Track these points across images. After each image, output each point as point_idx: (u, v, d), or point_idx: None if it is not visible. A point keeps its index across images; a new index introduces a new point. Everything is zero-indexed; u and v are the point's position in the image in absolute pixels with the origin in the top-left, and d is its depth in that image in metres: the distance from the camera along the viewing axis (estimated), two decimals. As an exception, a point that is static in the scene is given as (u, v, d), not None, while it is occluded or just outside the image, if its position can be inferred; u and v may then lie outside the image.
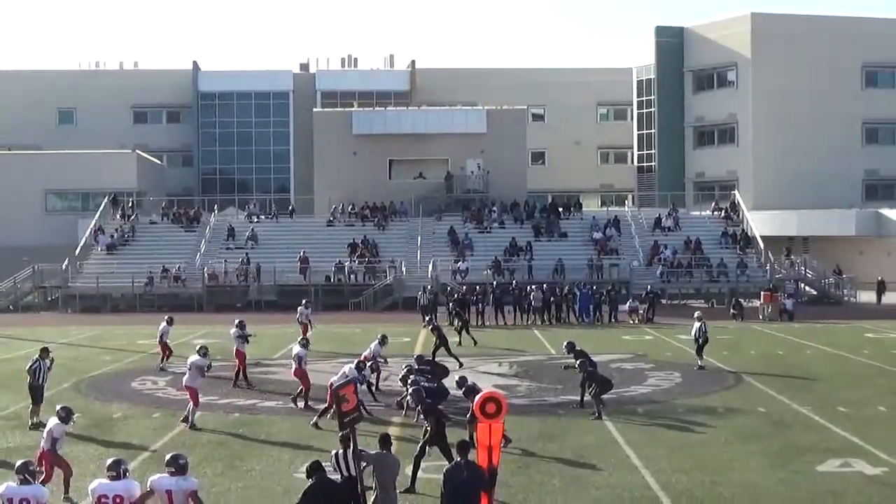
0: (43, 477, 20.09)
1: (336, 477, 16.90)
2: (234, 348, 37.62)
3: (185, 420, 29.35)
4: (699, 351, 41.07)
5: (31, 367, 30.65)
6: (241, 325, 38.29)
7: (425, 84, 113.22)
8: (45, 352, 31.35)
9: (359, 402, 18.85)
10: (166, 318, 43.15)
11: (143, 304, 74.48)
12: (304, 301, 53.17)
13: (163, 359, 41.67)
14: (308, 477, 16.06)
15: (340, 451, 17.68)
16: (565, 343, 33.21)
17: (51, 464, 21.71)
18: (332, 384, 20.43)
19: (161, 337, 41.92)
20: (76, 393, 35.72)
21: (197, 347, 31.43)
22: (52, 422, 22.25)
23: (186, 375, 30.18)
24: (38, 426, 29.37)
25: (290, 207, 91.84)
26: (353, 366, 30.55)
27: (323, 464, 16.42)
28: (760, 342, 50.46)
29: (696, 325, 41.48)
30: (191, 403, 29.53)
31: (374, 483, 17.26)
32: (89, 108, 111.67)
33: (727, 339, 50.91)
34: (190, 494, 15.63)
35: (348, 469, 17.34)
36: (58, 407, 22.93)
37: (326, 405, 28.57)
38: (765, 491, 22.02)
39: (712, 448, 26.14)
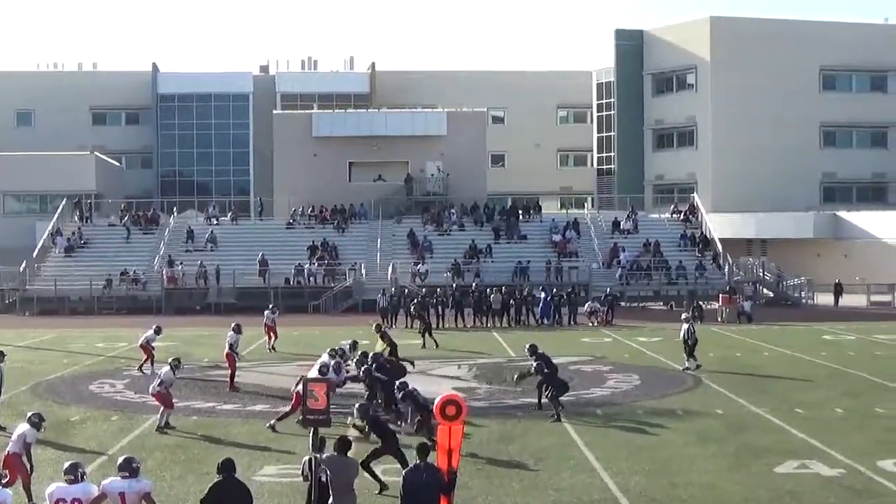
0: (7, 480, 19.98)
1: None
2: (226, 352, 37.47)
3: (161, 428, 29.07)
4: (690, 352, 41.12)
5: None
6: (237, 329, 38.33)
7: (385, 86, 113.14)
8: (1, 355, 31.22)
9: (329, 406, 18.77)
10: (154, 326, 42.65)
11: (102, 307, 74.15)
12: (270, 306, 52.75)
13: (145, 363, 41.45)
14: (217, 473, 15.97)
15: (311, 456, 17.71)
16: (528, 346, 33.20)
17: (17, 468, 21.50)
18: (304, 377, 20.39)
19: (147, 342, 41.69)
20: (34, 396, 35.53)
21: (170, 359, 31.27)
22: (24, 427, 22.05)
23: (154, 383, 30.22)
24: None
25: (260, 209, 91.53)
26: (326, 358, 30.82)
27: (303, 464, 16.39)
28: (719, 344, 50.63)
29: (685, 326, 41.56)
30: (162, 408, 29.47)
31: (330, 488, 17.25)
32: (48, 109, 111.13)
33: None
34: (143, 496, 15.60)
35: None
36: (29, 413, 22.80)
37: (289, 410, 28.50)
38: (723, 492, 22.12)
39: (671, 450, 26.22)
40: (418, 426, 26.50)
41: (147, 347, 41.53)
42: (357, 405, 25.60)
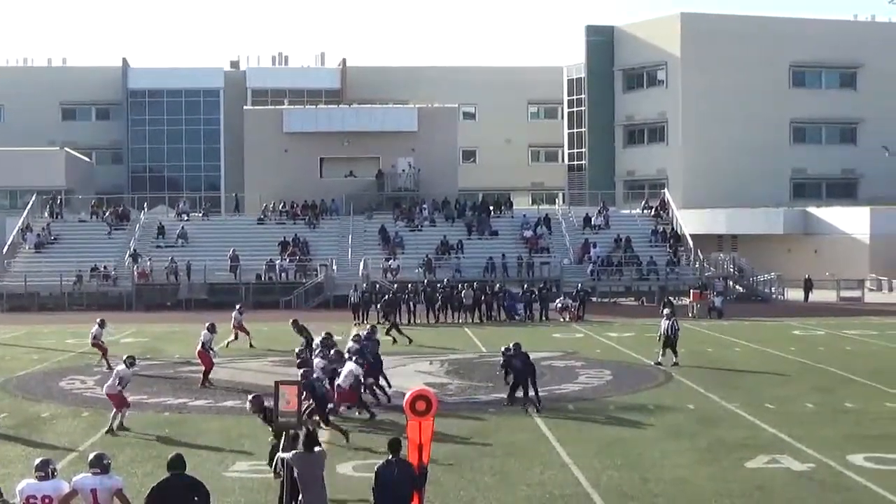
0: None
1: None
2: (199, 349, 37.35)
3: (114, 431, 28.52)
4: (672, 347, 41.18)
5: None
6: (211, 329, 38.19)
7: (356, 82, 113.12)
8: None
9: (301, 410, 18.70)
10: (98, 320, 42.72)
11: (72, 303, 73.91)
12: (238, 306, 52.36)
13: (101, 358, 41.34)
14: (168, 469, 15.90)
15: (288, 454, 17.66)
16: (513, 343, 33.20)
17: None
18: (276, 381, 20.37)
19: (94, 338, 41.64)
20: (4, 392, 35.41)
21: (125, 357, 31.15)
22: None
23: (108, 382, 29.95)
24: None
25: (235, 204, 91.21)
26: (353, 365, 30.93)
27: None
28: (690, 339, 50.59)
29: (666, 323, 41.57)
30: (115, 409, 29.23)
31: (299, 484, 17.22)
32: (17, 104, 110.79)
33: (657, 336, 51.12)
34: (115, 493, 15.53)
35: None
36: None
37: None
38: (694, 487, 22.18)
39: (642, 445, 26.27)
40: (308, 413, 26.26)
41: (98, 343, 41.67)
42: (251, 397, 25.13)
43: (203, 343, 36.93)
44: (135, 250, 78.59)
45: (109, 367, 39.75)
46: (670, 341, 41.32)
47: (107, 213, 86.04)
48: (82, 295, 74.72)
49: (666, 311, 44.14)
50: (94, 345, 41.77)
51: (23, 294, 75.14)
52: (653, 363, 40.89)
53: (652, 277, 77.63)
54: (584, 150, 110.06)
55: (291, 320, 42.86)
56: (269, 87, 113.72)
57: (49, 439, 27.60)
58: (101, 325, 42.41)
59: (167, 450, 25.02)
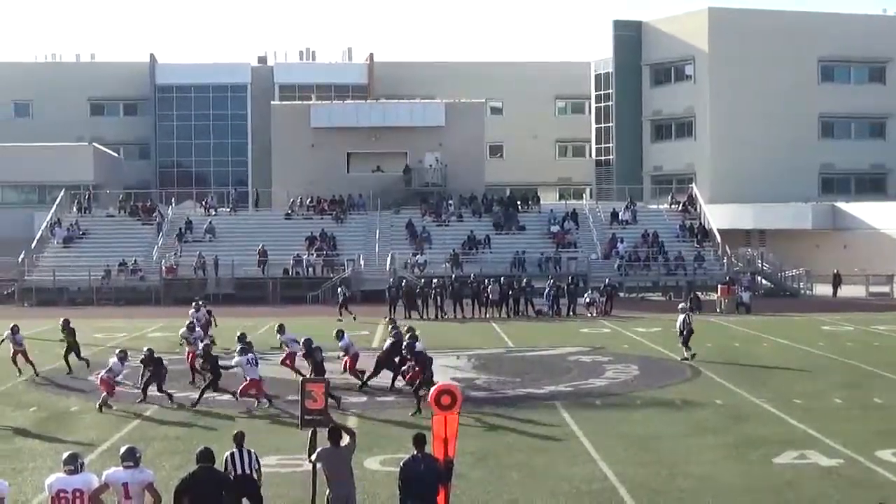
0: None
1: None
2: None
3: (101, 407, 30.62)
4: (685, 342, 41.13)
5: None
6: (190, 328, 38.51)
7: (383, 77, 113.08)
8: None
9: (327, 406, 18.72)
10: (12, 326, 39.90)
11: (100, 298, 74.14)
12: (196, 300, 51.01)
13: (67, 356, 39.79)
14: (196, 462, 15.92)
15: (235, 451, 17.72)
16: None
17: None
18: (302, 379, 20.37)
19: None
20: (32, 386, 35.57)
21: (117, 351, 32.54)
22: None
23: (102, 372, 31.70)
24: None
25: (256, 199, 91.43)
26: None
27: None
28: (717, 335, 50.63)
29: (681, 317, 41.58)
30: (104, 393, 30.86)
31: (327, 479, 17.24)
32: (46, 100, 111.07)
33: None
34: (146, 486, 15.59)
35: (243, 469, 17.35)
36: None
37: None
38: (722, 482, 22.10)
39: (670, 440, 26.21)
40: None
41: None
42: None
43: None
44: (158, 246, 78.82)
45: (84, 359, 39.68)
46: (683, 336, 41.26)
47: (134, 209, 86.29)
48: (111, 290, 74.97)
49: (681, 305, 44.08)
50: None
51: (51, 289, 75.41)
52: (679, 359, 40.75)
53: (679, 273, 77.47)
54: (611, 145, 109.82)
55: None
56: (296, 83, 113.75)
57: (77, 433, 27.68)
58: (14, 330, 39.46)
59: (195, 443, 25.09)
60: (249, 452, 17.77)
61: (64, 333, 39.99)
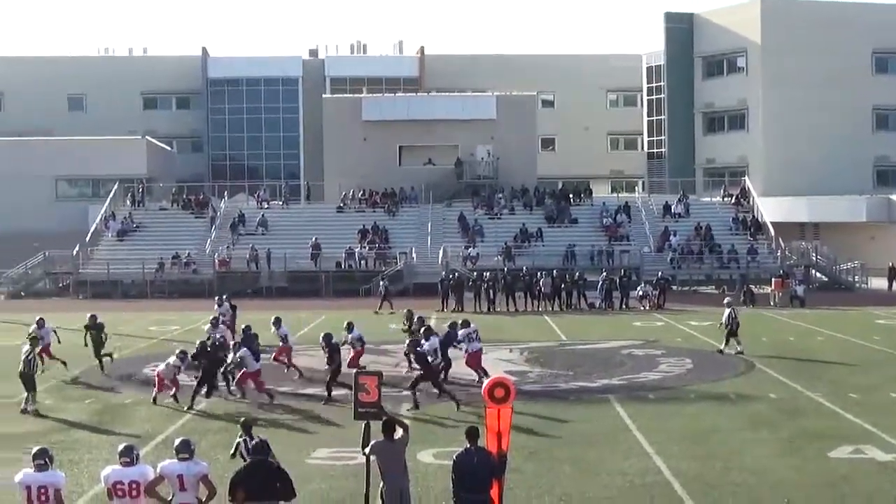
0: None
1: None
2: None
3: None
4: (730, 335, 40.96)
5: (27, 356, 30.68)
6: (214, 324, 38.63)
7: (435, 70, 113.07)
8: (35, 341, 31.63)
9: (380, 398, 18.70)
10: (38, 319, 39.06)
11: (154, 291, 74.56)
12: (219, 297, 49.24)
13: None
14: (252, 455, 15.91)
15: (245, 438, 17.77)
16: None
17: None
18: (355, 371, 20.36)
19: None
20: (87, 378, 35.74)
21: (177, 350, 32.09)
22: None
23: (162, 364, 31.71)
24: (31, 413, 29.60)
25: (307, 192, 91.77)
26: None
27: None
28: (771, 328, 50.38)
29: (727, 311, 41.40)
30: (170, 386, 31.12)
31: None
32: (99, 94, 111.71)
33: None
34: (201, 478, 15.66)
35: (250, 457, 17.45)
36: None
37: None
38: (777, 477, 21.97)
39: (724, 434, 26.09)
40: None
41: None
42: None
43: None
44: (210, 239, 79.23)
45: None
46: (729, 330, 41.05)
47: (187, 202, 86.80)
48: (164, 283, 75.40)
49: (726, 300, 43.85)
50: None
51: (105, 281, 75.94)
52: (734, 353, 40.52)
53: (732, 266, 77.11)
54: (663, 137, 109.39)
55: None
56: (347, 76, 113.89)
57: (131, 426, 27.83)
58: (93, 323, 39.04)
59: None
60: (261, 440, 17.89)
61: (90, 330, 38.66)
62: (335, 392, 30.42)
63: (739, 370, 36.78)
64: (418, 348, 31.20)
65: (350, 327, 35.67)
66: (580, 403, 30.53)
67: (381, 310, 59.71)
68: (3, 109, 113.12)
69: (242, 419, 18.66)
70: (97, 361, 37.79)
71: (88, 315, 39.47)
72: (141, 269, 75.75)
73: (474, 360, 33.70)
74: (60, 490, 15.21)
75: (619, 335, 47.69)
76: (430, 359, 30.99)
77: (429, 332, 32.94)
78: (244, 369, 31.29)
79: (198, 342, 32.69)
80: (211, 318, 40.57)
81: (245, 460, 17.53)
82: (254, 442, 16.40)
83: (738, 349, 40.64)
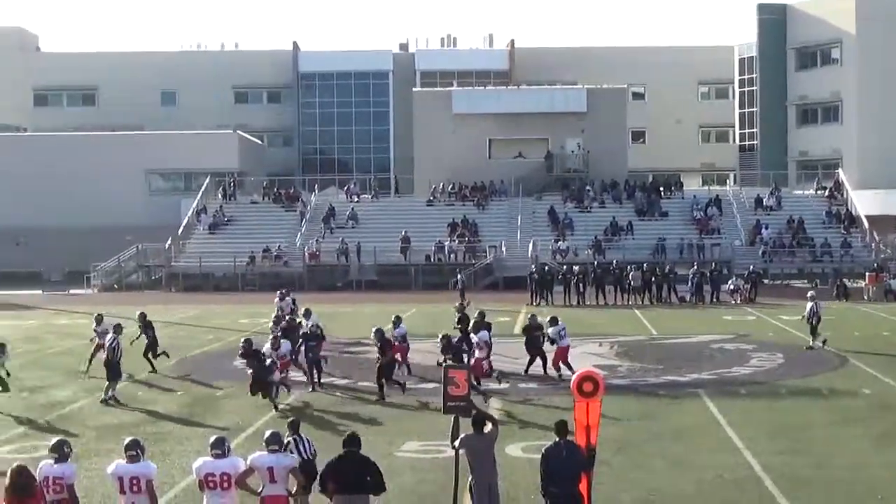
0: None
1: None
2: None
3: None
4: (813, 331, 40.57)
5: (110, 344, 31.06)
6: (276, 321, 38.25)
7: (525, 63, 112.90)
8: (119, 328, 31.88)
9: (469, 392, 18.67)
10: (96, 315, 38.32)
11: (245, 284, 75.14)
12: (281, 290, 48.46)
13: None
14: (343, 447, 15.96)
15: (295, 437, 17.81)
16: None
17: None
18: (444, 365, 20.34)
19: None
20: (179, 371, 36.08)
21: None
22: None
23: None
24: (113, 401, 29.93)
25: (396, 185, 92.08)
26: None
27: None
28: (865, 323, 49.83)
29: (809, 304, 41.02)
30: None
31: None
32: (191, 88, 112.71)
33: (831, 319, 49.81)
34: (290, 470, 15.74)
35: (304, 454, 17.47)
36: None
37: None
38: (870, 474, 21.67)
39: (816, 430, 25.81)
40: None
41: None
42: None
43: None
44: (301, 232, 79.67)
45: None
46: (811, 325, 40.61)
47: (278, 195, 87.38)
48: (255, 276, 75.96)
49: (810, 293, 43.40)
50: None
51: (197, 274, 76.66)
52: (819, 346, 40.08)
53: (825, 259, 76.36)
54: (755, 130, 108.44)
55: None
56: (437, 69, 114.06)
57: (223, 418, 28.02)
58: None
59: (337, 429, 25.28)
60: (307, 439, 17.94)
61: (141, 328, 37.38)
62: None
63: (832, 365, 36.37)
64: (455, 341, 31.34)
65: (396, 322, 34.80)
66: (670, 398, 30.36)
67: (463, 302, 59.75)
68: (97, 105, 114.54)
69: (290, 419, 18.69)
70: (148, 361, 36.23)
71: (138, 313, 38.54)
72: (232, 262, 76.39)
73: (562, 356, 33.55)
74: (152, 481, 15.38)
75: (709, 329, 47.39)
76: (479, 351, 31.12)
77: (479, 326, 32.69)
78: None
79: (242, 340, 31.46)
80: (274, 314, 40.17)
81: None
82: (347, 434, 16.43)
83: (813, 342, 40.21)
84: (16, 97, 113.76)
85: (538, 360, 33.91)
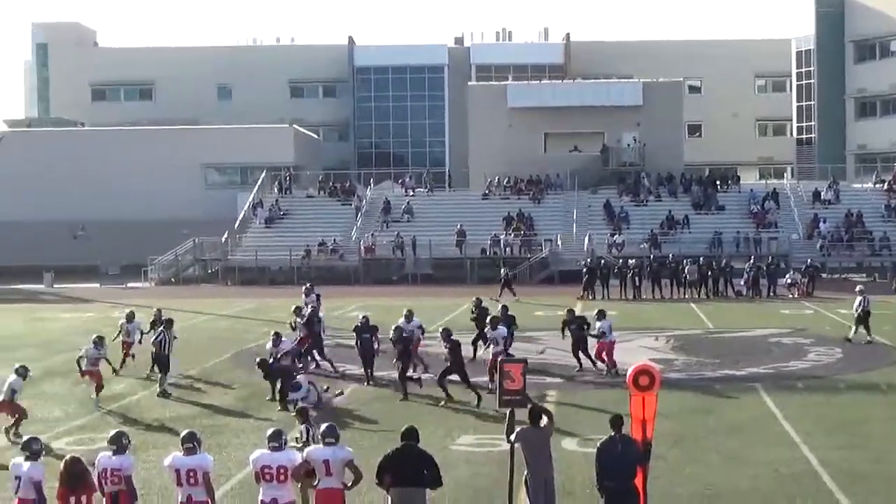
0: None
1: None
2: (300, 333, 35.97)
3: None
4: (859, 323, 40.25)
5: (156, 338, 31.25)
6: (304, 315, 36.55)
7: (580, 57, 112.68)
8: (169, 323, 32.06)
9: (525, 386, 18.62)
10: (127, 313, 37.25)
11: (300, 277, 75.23)
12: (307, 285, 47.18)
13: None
14: (401, 439, 15.96)
15: (304, 427, 17.80)
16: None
17: (11, 410, 25.50)
18: (500, 359, 20.29)
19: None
20: (236, 364, 36.22)
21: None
22: (12, 377, 25.74)
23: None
24: (165, 395, 30.08)
25: (449, 179, 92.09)
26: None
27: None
28: (924, 317, 49.40)
29: (858, 298, 40.73)
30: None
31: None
32: (247, 83, 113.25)
33: (889, 314, 49.59)
34: (346, 463, 15.76)
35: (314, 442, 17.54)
36: (16, 365, 26.00)
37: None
38: (929, 469, 21.52)
39: (875, 425, 25.62)
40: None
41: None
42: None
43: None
44: (373, 227, 79.95)
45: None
46: (862, 318, 40.28)
47: (333, 189, 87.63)
48: (310, 269, 76.12)
49: (858, 287, 43.04)
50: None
51: (253, 268, 76.94)
52: (862, 342, 39.75)
53: (884, 253, 75.78)
54: (813, 123, 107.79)
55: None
56: (492, 63, 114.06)
57: (278, 411, 28.05)
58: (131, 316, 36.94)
59: (394, 422, 25.26)
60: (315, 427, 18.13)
61: (155, 327, 35.26)
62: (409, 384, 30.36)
63: (890, 360, 36.12)
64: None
65: (408, 317, 34.27)
66: (726, 392, 30.20)
67: (500, 297, 59.53)
68: (154, 99, 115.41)
69: (299, 407, 18.74)
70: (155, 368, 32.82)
71: (154, 309, 38.09)
72: (288, 255, 76.61)
73: (607, 351, 33.34)
74: (208, 473, 15.51)
75: (766, 323, 47.11)
76: (495, 347, 30.90)
77: (496, 321, 32.48)
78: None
79: (258, 360, 30.97)
80: (302, 309, 38.85)
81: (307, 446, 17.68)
82: (405, 427, 16.41)
83: (850, 336, 39.92)
84: (74, 92, 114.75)
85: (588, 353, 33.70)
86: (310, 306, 39.23)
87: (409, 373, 30.83)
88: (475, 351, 35.13)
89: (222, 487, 19.81)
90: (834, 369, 34.29)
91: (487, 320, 33.09)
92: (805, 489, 20.19)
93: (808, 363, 35.62)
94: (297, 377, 28.47)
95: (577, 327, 33.87)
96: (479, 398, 28.21)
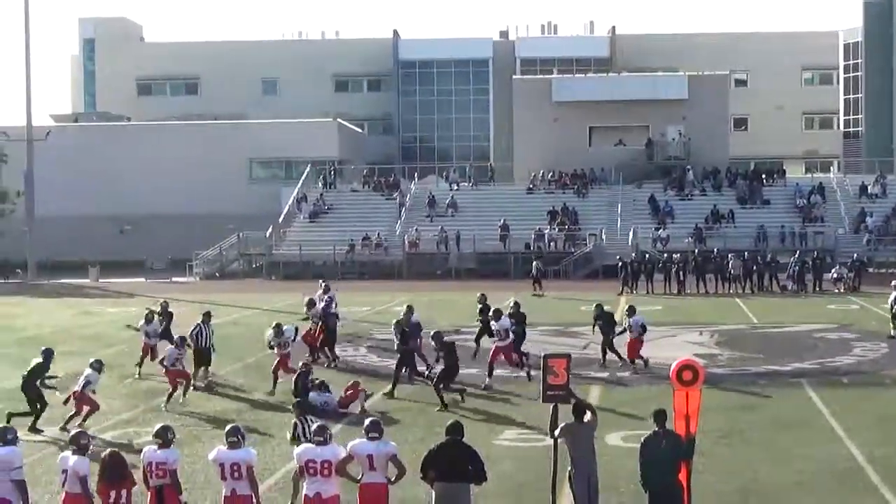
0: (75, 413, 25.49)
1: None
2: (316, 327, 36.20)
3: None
4: (894, 319, 40.01)
5: (192, 331, 31.39)
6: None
7: (625, 50, 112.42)
8: (207, 316, 32.17)
9: (569, 381, 18.59)
10: (146, 314, 35.65)
11: (345, 272, 75.38)
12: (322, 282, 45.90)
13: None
14: (446, 434, 15.96)
15: (300, 419, 17.84)
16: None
17: (83, 403, 25.58)
18: (544, 354, 20.26)
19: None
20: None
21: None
22: (87, 370, 25.86)
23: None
24: (211, 388, 30.20)
25: (492, 173, 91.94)
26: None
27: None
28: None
29: (894, 293, 40.47)
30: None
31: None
32: (292, 77, 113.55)
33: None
34: (390, 458, 15.78)
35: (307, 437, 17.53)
36: (92, 360, 26.16)
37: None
38: (976, 465, 21.36)
39: (920, 421, 25.46)
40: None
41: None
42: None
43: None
44: (418, 221, 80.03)
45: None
46: (893, 313, 40.04)
47: (378, 183, 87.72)
48: (354, 263, 76.22)
49: (894, 282, 42.72)
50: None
51: (297, 262, 77.06)
52: (887, 336, 39.50)
53: (933, 248, 75.29)
54: (860, 116, 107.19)
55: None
56: (537, 57, 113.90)
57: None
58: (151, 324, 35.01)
59: (437, 417, 25.30)
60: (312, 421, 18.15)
61: (158, 316, 35.60)
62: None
63: (938, 355, 35.87)
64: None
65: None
66: (771, 387, 30.07)
67: (538, 291, 59.40)
68: (199, 94, 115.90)
69: (296, 399, 18.76)
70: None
71: (161, 301, 37.91)
72: (332, 250, 76.72)
73: (635, 347, 33.13)
74: (252, 467, 15.59)
75: (811, 318, 46.84)
76: (499, 339, 30.93)
77: (499, 313, 32.35)
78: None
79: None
80: (322, 302, 38.33)
81: (300, 441, 17.71)
82: (450, 422, 16.40)
83: (893, 334, 39.65)
84: (120, 87, 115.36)
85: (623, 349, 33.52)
86: (323, 301, 38.97)
87: (421, 369, 31.06)
88: (478, 347, 34.88)
89: (266, 481, 19.86)
90: (880, 365, 34.06)
91: (490, 314, 32.83)
92: (850, 485, 20.09)
93: (854, 359, 35.39)
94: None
95: (604, 323, 33.81)
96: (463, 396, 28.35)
